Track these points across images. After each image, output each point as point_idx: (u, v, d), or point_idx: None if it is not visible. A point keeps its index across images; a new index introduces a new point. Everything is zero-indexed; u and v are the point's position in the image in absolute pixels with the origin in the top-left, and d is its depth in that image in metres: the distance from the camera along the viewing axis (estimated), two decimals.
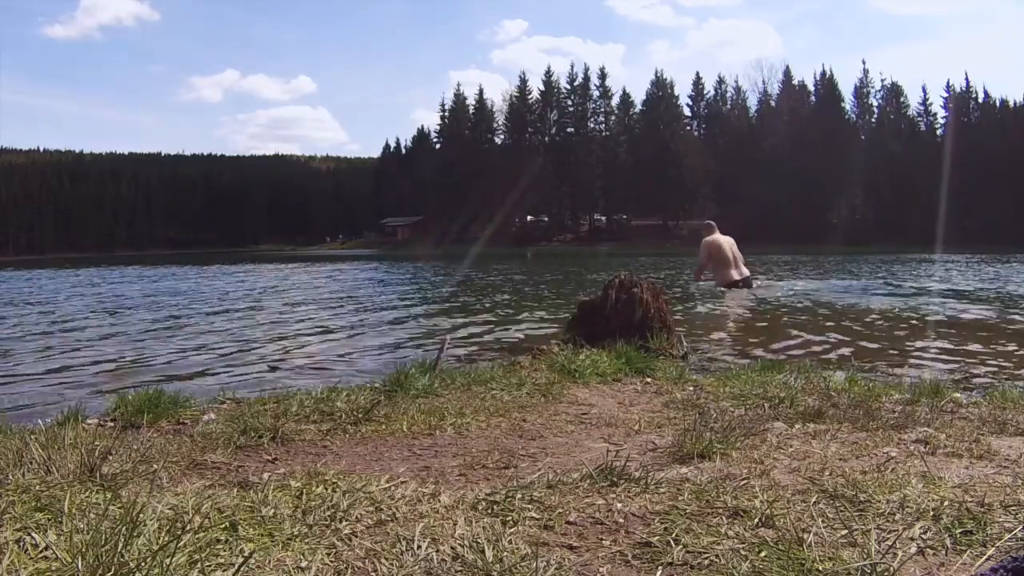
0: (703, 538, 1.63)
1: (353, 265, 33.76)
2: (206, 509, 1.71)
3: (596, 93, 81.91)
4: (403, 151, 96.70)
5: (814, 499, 1.87)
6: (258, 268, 31.14)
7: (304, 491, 1.91)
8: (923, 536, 1.63)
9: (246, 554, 1.48)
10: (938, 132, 71.22)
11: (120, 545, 1.39)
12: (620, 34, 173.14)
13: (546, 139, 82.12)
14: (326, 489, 1.94)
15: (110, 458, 2.20)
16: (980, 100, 71.30)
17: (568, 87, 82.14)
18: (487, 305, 12.26)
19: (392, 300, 14.11)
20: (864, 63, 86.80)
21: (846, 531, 1.66)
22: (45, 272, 29.71)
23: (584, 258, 41.08)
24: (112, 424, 3.18)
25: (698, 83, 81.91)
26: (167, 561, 1.37)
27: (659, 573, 1.50)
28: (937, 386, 3.91)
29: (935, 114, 73.41)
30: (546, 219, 79.79)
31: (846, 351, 6.62)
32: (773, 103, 76.90)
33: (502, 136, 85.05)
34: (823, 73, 74.60)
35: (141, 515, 1.58)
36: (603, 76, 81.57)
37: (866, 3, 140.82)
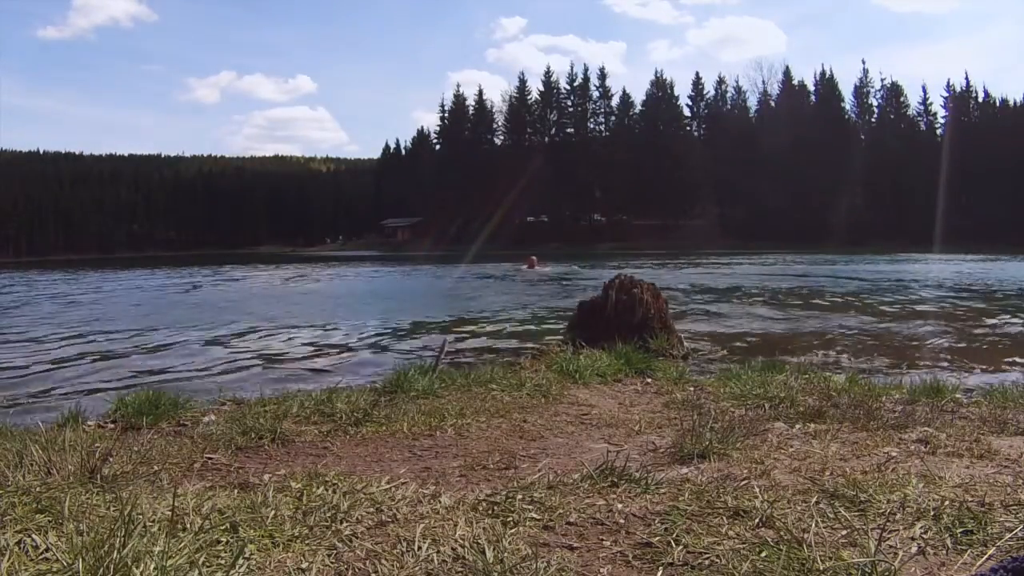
0: (704, 538, 1.63)
1: (352, 266, 33.76)
2: (206, 510, 1.71)
3: (596, 93, 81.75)
4: (403, 152, 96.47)
5: (815, 499, 1.87)
6: (257, 270, 31.13)
7: (305, 492, 1.91)
8: (924, 536, 1.63)
9: (246, 555, 1.48)
10: (938, 132, 71.05)
11: (119, 547, 1.39)
12: (620, 32, 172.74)
13: (545, 139, 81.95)
14: (327, 490, 1.94)
15: (111, 460, 2.20)
16: (980, 100, 71.23)
17: (568, 87, 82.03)
18: (486, 306, 12.26)
19: (391, 301, 14.11)
20: (864, 63, 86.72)
21: (847, 531, 1.66)
22: (47, 273, 29.71)
23: (589, 258, 41.23)
24: (112, 426, 3.18)
25: (698, 83, 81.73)
26: (167, 562, 1.37)
27: (660, 573, 1.50)
28: (937, 386, 3.91)
29: (935, 114, 73.29)
30: (546, 219, 79.68)
31: (845, 350, 6.62)
32: (773, 103, 76.75)
33: (502, 136, 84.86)
34: (823, 73, 74.59)
35: (141, 516, 1.58)
36: (603, 76, 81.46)
37: (866, 1, 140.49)
